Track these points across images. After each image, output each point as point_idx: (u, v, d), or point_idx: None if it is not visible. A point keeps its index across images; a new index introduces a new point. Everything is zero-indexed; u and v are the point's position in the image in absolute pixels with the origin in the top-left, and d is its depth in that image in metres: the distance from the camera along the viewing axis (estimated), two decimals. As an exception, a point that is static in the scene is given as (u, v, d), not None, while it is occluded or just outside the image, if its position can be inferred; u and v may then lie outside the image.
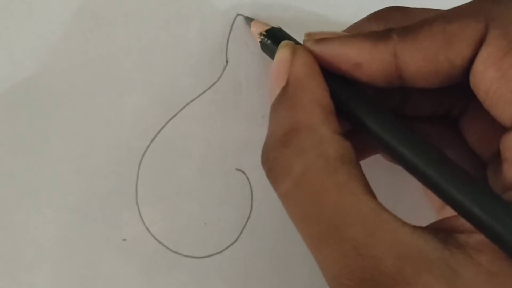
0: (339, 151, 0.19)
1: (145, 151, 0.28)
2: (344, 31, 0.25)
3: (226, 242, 0.28)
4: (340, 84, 0.22)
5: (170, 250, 0.28)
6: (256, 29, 0.27)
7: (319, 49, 0.21)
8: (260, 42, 0.26)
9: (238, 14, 0.28)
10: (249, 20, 0.28)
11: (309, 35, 0.22)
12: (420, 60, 0.20)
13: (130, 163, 0.27)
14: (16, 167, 0.27)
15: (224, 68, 0.28)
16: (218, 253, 0.28)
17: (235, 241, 0.28)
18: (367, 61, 0.21)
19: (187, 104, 0.28)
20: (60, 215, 0.27)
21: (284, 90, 0.21)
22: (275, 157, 0.20)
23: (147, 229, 0.28)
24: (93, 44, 0.28)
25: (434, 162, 0.19)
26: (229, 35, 0.28)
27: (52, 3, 0.27)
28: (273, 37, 0.25)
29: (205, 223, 0.28)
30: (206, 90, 0.28)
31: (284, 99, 0.21)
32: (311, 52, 0.22)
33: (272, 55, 0.24)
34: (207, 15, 0.28)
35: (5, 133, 0.27)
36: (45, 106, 0.27)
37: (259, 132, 0.28)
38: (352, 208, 0.18)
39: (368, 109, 0.21)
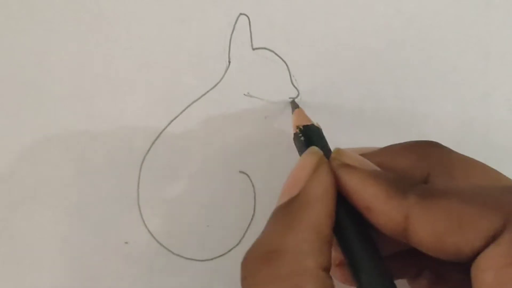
0: None
1: (146, 153, 0.27)
2: (378, 152, 0.23)
3: (229, 244, 0.28)
4: (349, 214, 0.21)
5: (172, 253, 0.27)
6: (296, 120, 0.25)
7: (340, 174, 0.21)
8: (294, 133, 0.25)
9: (240, 14, 0.28)
10: (294, 105, 0.27)
11: (338, 153, 0.21)
12: (429, 235, 0.19)
13: (131, 165, 0.27)
14: (16, 169, 0.27)
15: (227, 68, 0.28)
16: (220, 255, 0.28)
17: (238, 244, 0.28)
18: (378, 211, 0.20)
19: (189, 105, 0.28)
20: (60, 218, 0.27)
21: (292, 201, 0.20)
22: (252, 271, 0.19)
23: (149, 231, 0.27)
24: (93, 44, 0.28)
25: None
26: (231, 35, 0.28)
27: (54, 3, 0.28)
28: (308, 136, 0.24)
29: (208, 226, 0.28)
30: (208, 91, 0.28)
31: (288, 211, 0.20)
32: (333, 172, 0.21)
33: (300, 150, 0.23)
34: (209, 15, 0.28)
35: (6, 134, 0.27)
36: (45, 106, 0.27)
37: (262, 134, 0.28)
38: None
39: (362, 256, 0.20)
